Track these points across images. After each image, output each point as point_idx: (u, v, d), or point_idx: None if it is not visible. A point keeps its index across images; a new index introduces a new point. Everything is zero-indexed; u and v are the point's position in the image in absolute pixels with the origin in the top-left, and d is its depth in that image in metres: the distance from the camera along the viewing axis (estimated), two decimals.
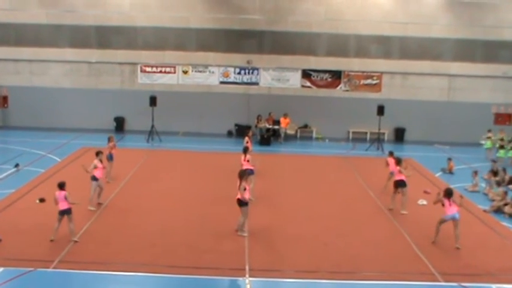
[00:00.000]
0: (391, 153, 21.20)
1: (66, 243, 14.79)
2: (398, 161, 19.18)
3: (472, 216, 18.72)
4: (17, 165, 22.81)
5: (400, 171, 18.79)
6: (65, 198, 14.84)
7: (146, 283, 13.07)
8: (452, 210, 15.55)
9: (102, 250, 14.60)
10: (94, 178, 17.80)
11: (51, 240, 14.87)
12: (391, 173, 20.04)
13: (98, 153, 18.35)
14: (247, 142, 22.08)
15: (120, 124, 33.13)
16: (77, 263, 13.70)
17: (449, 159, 25.47)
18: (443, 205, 15.70)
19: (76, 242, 14.93)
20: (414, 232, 16.45)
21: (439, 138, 32.28)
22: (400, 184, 18.77)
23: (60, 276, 13.11)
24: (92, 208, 17.68)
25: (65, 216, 14.89)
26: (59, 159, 24.62)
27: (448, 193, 15.67)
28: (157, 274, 13.30)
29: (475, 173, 22.36)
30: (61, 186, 14.95)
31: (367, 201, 20.15)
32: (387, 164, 20.67)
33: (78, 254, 14.21)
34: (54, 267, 13.39)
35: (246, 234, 15.86)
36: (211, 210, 18.17)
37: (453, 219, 15.56)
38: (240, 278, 13.25)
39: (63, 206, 14.86)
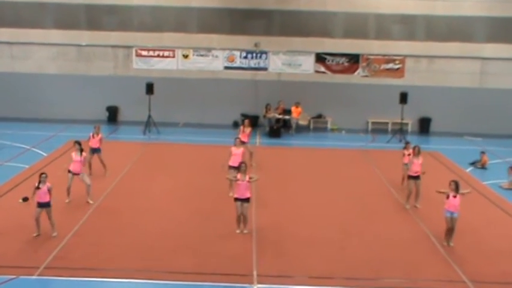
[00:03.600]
0: (409, 143, 21.27)
1: (53, 247, 14.82)
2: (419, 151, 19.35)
3: (508, 216, 18.65)
4: None
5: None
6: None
7: None
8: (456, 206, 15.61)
9: (94, 254, 14.60)
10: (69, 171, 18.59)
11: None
12: (407, 165, 19.86)
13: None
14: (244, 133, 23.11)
15: (113, 114, 33.15)
16: (65, 269, 13.69)
17: (483, 152, 25.34)
18: (447, 197, 15.67)
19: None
20: (441, 233, 16.30)
21: (470, 129, 32.13)
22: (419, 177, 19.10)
23: (45, 284, 13.11)
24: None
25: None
26: (44, 154, 24.66)
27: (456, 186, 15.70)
28: (155, 281, 13.29)
29: (511, 168, 22.23)
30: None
31: (388, 199, 20.11)
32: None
33: (67, 259, 14.21)
34: (39, 275, 13.37)
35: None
36: (215, 209, 18.16)
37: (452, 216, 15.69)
38: (248, 285, 13.24)
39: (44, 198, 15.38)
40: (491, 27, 32.18)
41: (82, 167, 18.67)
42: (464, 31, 32.25)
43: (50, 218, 15.49)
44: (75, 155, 18.45)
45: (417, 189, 19.10)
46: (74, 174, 18.41)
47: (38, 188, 15.27)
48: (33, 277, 13.24)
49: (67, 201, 18.34)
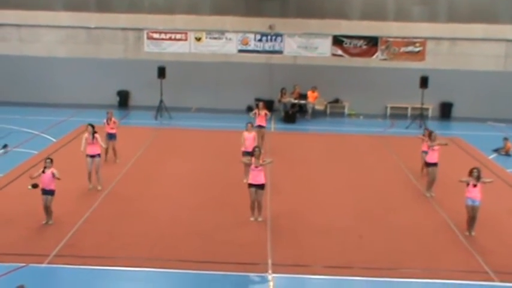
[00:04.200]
0: (427, 129, 21.17)
1: (63, 234, 14.91)
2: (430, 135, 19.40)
3: None
4: (5, 146, 23.00)
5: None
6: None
7: (154, 279, 13.15)
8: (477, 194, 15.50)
9: (104, 242, 14.69)
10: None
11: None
12: (426, 152, 19.72)
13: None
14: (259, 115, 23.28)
15: (124, 99, 33.22)
16: (76, 257, 13.78)
17: (506, 138, 25.16)
18: (468, 185, 15.58)
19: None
20: (462, 223, 16.21)
21: (493, 115, 31.87)
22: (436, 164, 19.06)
23: (55, 272, 13.21)
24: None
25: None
26: (54, 140, 24.79)
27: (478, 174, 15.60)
28: (167, 269, 13.37)
29: None
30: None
31: (408, 187, 20.03)
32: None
33: (77, 247, 14.31)
34: (49, 263, 13.48)
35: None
36: (228, 196, 18.20)
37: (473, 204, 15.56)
38: (262, 274, 13.27)
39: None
40: None
41: (98, 149, 18.73)
42: (488, 12, 31.82)
43: (49, 206, 15.56)
44: (89, 138, 18.54)
45: (433, 177, 18.99)
46: (92, 156, 18.51)
47: (43, 172, 15.37)
48: (43, 265, 13.34)
49: (90, 187, 18.53)
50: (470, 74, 32.32)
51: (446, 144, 19.45)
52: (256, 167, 16.04)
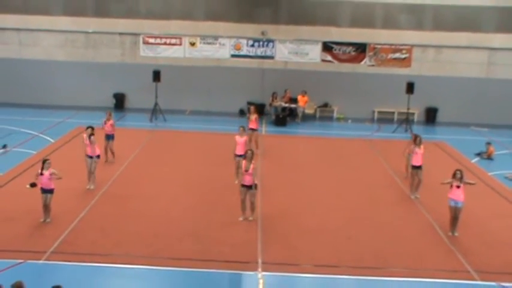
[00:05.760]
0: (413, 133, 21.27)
1: (60, 232, 14.89)
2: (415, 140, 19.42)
3: None
4: (4, 146, 22.93)
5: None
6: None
7: (148, 277, 13.14)
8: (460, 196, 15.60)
9: (100, 240, 14.68)
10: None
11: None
12: (411, 155, 19.77)
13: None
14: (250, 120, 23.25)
15: (120, 101, 33.13)
16: (72, 254, 13.79)
17: (489, 143, 25.23)
18: (451, 187, 15.68)
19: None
20: (446, 224, 16.27)
21: (477, 120, 31.97)
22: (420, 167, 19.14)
23: (52, 269, 13.18)
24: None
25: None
26: (52, 140, 24.72)
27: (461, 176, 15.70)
28: (160, 267, 13.37)
29: None
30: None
31: (394, 189, 20.09)
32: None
33: (74, 245, 14.30)
34: (46, 259, 13.48)
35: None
36: (220, 197, 18.20)
37: (456, 205, 15.65)
38: (252, 272, 13.29)
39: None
40: (500, 18, 31.88)
41: (95, 150, 18.68)
42: (472, 21, 31.95)
43: (48, 204, 15.55)
44: (85, 139, 18.55)
45: (418, 179, 19.09)
46: (91, 157, 18.52)
47: (41, 174, 15.34)
48: (41, 262, 13.35)
49: (92, 187, 18.49)
50: (455, 81, 32.43)
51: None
52: (246, 171, 16.04)
